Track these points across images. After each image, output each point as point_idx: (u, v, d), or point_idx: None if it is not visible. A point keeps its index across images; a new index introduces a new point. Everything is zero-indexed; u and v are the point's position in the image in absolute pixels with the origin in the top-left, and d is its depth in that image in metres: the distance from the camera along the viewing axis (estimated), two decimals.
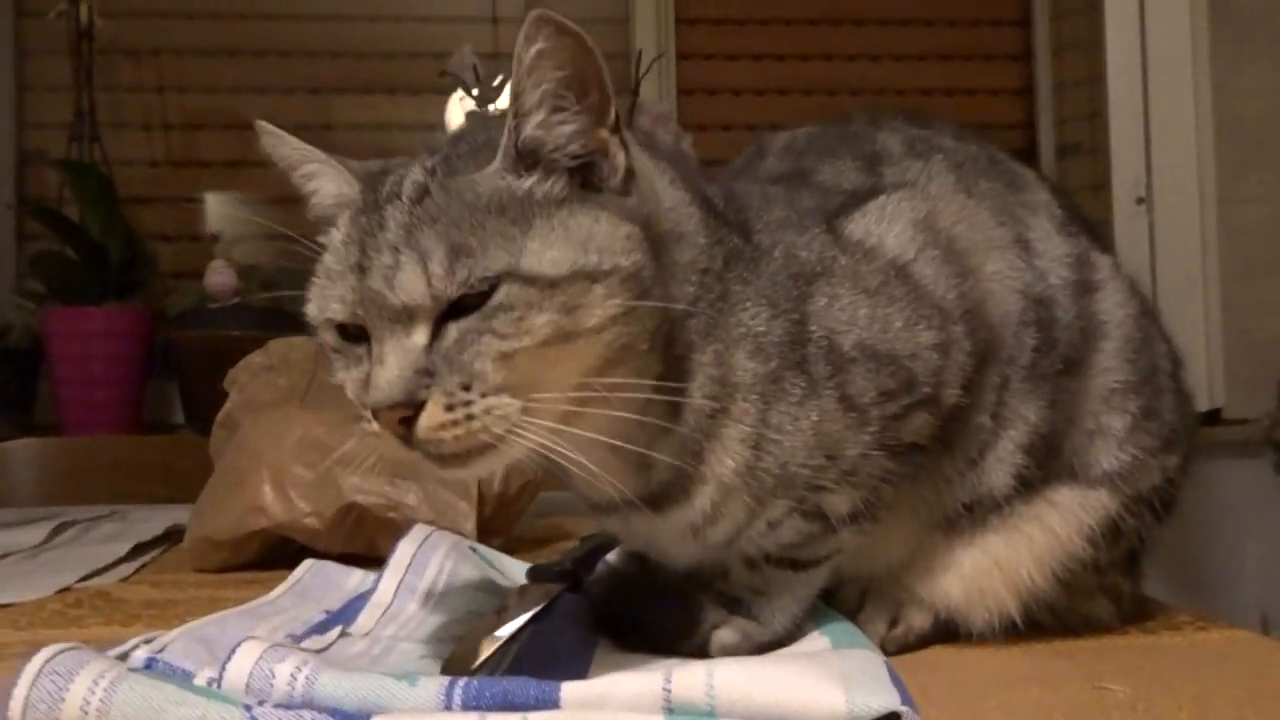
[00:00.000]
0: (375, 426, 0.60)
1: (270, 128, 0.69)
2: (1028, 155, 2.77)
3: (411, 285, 0.59)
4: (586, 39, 0.60)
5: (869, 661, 0.64)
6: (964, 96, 2.95)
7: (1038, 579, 0.76)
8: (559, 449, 0.61)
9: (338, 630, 0.77)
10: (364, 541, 1.15)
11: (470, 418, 0.58)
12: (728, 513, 0.69)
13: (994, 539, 0.77)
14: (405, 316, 0.59)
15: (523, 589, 0.83)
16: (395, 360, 0.59)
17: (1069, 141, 2.80)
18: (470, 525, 1.13)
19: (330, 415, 1.19)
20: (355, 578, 0.96)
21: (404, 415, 0.58)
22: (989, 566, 0.77)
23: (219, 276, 2.45)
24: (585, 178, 0.63)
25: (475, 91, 2.57)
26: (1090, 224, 0.86)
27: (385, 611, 0.83)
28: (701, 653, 0.71)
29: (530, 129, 0.62)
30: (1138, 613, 0.86)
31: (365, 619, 0.82)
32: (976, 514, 0.77)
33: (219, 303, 2.44)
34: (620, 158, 0.63)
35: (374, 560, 1.06)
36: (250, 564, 1.17)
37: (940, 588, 0.78)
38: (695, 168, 0.77)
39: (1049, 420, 0.76)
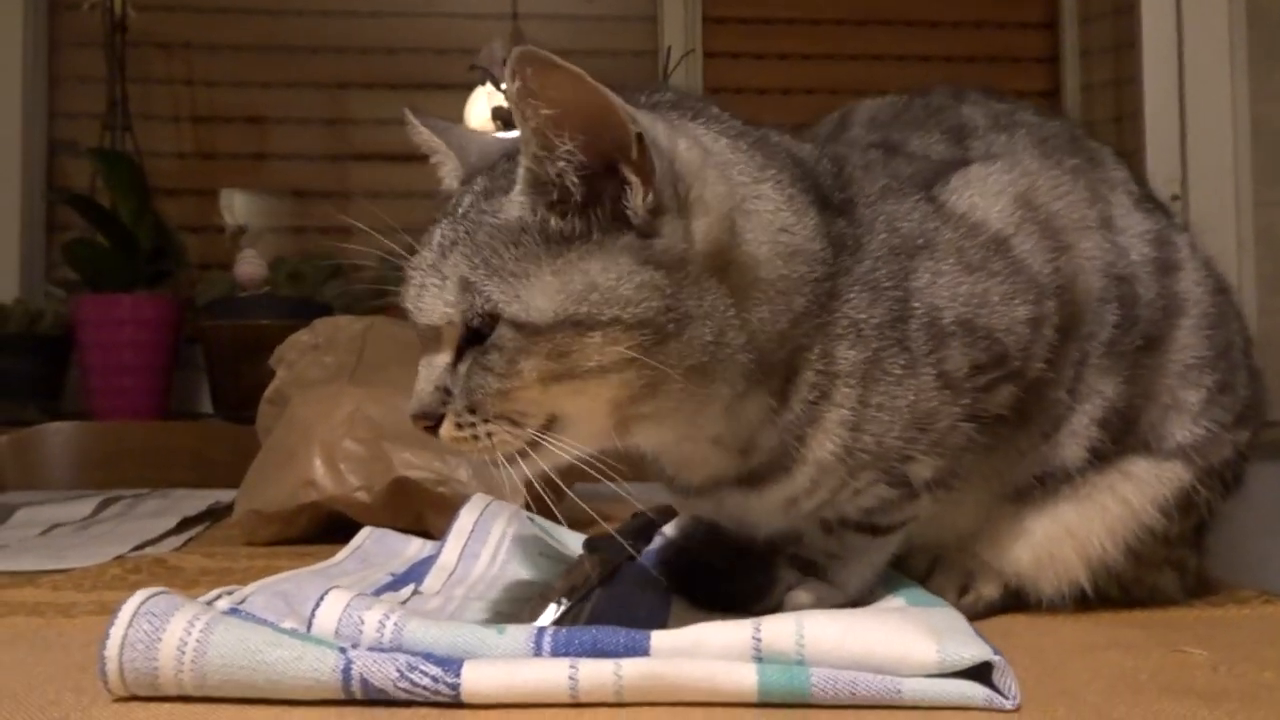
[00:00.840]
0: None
1: (410, 116, 0.72)
2: None
3: (431, 309, 0.62)
4: (577, 74, 0.56)
5: (952, 617, 0.64)
6: None
7: (1109, 548, 0.76)
8: (595, 458, 0.64)
9: (410, 588, 0.78)
10: (412, 516, 1.15)
11: (477, 438, 0.62)
12: (824, 486, 0.70)
13: (1066, 508, 0.77)
14: (434, 333, 0.62)
15: (582, 558, 0.83)
16: (424, 375, 0.63)
17: None
18: (520, 500, 1.13)
19: (380, 391, 1.20)
20: (414, 545, 0.96)
21: (426, 425, 0.63)
22: (1060, 534, 0.77)
23: (248, 266, 2.46)
24: (617, 211, 0.60)
25: (504, 86, 2.57)
26: (1163, 203, 0.86)
27: (451, 575, 0.84)
28: (774, 612, 0.71)
29: (528, 162, 0.60)
30: (1202, 587, 0.86)
31: (433, 580, 0.82)
32: (1048, 485, 0.77)
33: (247, 292, 2.45)
34: (641, 194, 0.59)
35: (423, 535, 1.07)
36: (299, 538, 1.17)
37: (1010, 556, 0.78)
38: (795, 141, 0.75)
39: (1126, 395, 0.76)
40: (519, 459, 0.63)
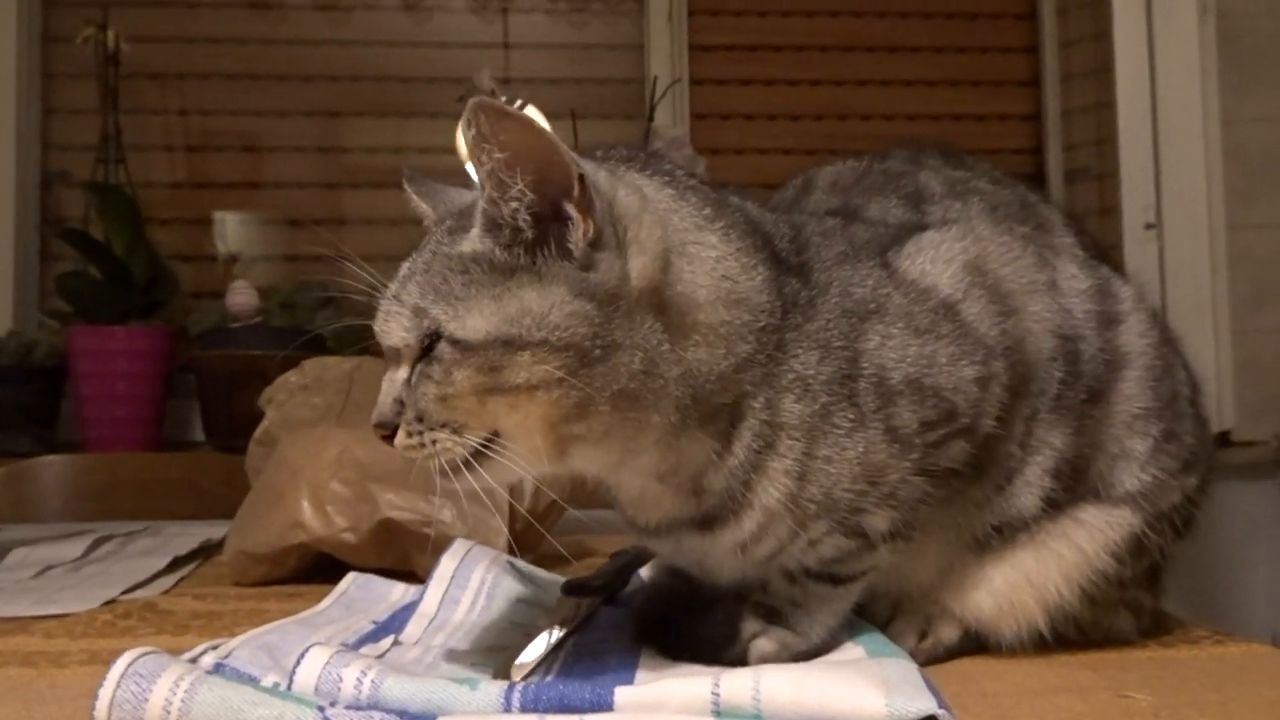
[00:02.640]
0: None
1: (406, 184, 0.80)
2: (1037, 180, 2.82)
3: (393, 331, 0.68)
4: (529, 120, 0.63)
5: (905, 668, 0.67)
6: (973, 122, 3.00)
7: (1065, 593, 0.79)
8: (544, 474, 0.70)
9: (390, 639, 0.80)
10: (398, 556, 1.18)
11: (423, 445, 0.67)
12: (772, 533, 0.73)
13: (1024, 555, 0.80)
14: (395, 353, 0.69)
15: (561, 602, 0.87)
16: (385, 389, 0.70)
17: (1077, 166, 2.85)
18: (502, 540, 1.16)
19: (366, 433, 1.22)
20: (398, 590, 0.99)
21: (384, 435, 0.70)
22: (1020, 582, 0.80)
23: (240, 296, 2.49)
24: (561, 248, 0.66)
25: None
26: (1108, 260, 0.89)
27: (431, 621, 0.86)
28: (741, 661, 0.74)
29: (483, 203, 0.67)
30: (1157, 627, 0.89)
31: (413, 628, 0.85)
32: (1006, 534, 0.80)
33: (240, 322, 2.48)
34: (581, 230, 0.66)
35: (408, 575, 1.10)
36: (288, 578, 1.19)
37: (971, 602, 0.81)
38: (757, 205, 0.80)
39: (1075, 446, 0.79)
40: (463, 469, 0.67)
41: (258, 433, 1.33)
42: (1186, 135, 2.54)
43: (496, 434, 0.67)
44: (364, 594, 0.97)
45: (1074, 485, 0.80)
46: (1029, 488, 0.79)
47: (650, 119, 2.71)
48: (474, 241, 0.67)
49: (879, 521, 0.74)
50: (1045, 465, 0.79)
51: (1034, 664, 0.79)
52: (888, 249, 0.78)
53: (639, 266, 0.67)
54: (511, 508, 1.22)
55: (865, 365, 0.72)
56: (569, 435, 0.67)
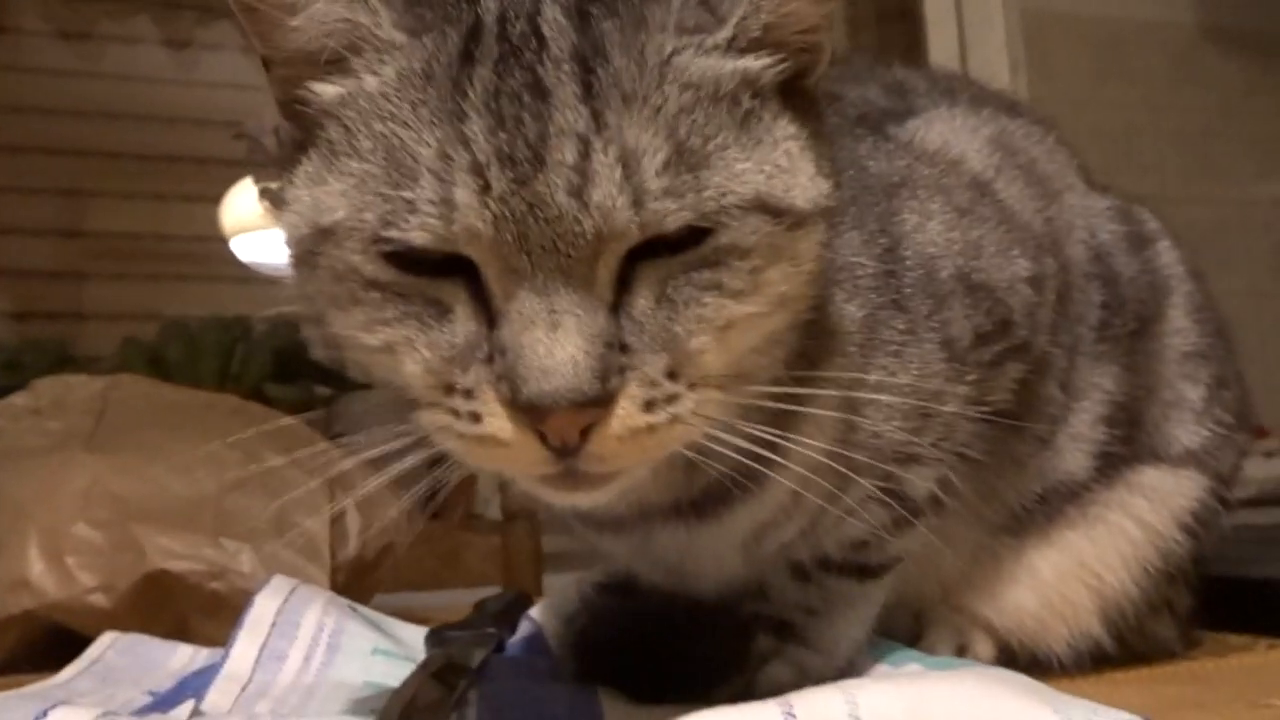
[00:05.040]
0: (505, 428, 0.39)
1: None
2: None
3: (612, 201, 0.38)
4: None
5: (1026, 680, 0.45)
6: None
7: (1127, 582, 0.62)
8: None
9: (188, 707, 0.50)
10: (172, 622, 0.86)
11: (674, 421, 0.39)
12: (804, 505, 0.50)
13: (1075, 537, 0.62)
14: (586, 254, 0.38)
15: (432, 655, 0.60)
16: (576, 325, 0.38)
17: None
18: (326, 581, 0.87)
19: (129, 459, 0.92)
20: (183, 653, 0.69)
21: (591, 419, 0.38)
22: (1071, 569, 0.62)
23: None
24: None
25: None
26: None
27: (246, 687, 0.56)
28: (746, 695, 0.50)
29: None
30: (1191, 635, 0.72)
31: (218, 696, 0.55)
32: (1052, 506, 0.62)
33: None
34: (825, 57, 0.45)
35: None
36: (3, 665, 0.84)
37: (1010, 603, 0.62)
38: None
39: (1126, 387, 0.63)
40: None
41: None
42: None
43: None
44: (130, 660, 0.65)
45: (1129, 438, 0.63)
46: (1076, 443, 0.62)
47: None
48: (719, 43, 0.41)
49: (924, 476, 0.54)
50: (1095, 412, 0.62)
51: (1096, 684, 0.59)
52: (883, 125, 0.61)
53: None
54: (333, 553, 0.93)
55: (907, 253, 0.53)
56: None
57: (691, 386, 0.39)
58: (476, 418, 0.39)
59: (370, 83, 0.40)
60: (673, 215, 0.38)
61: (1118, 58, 2.56)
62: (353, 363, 0.48)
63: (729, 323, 0.39)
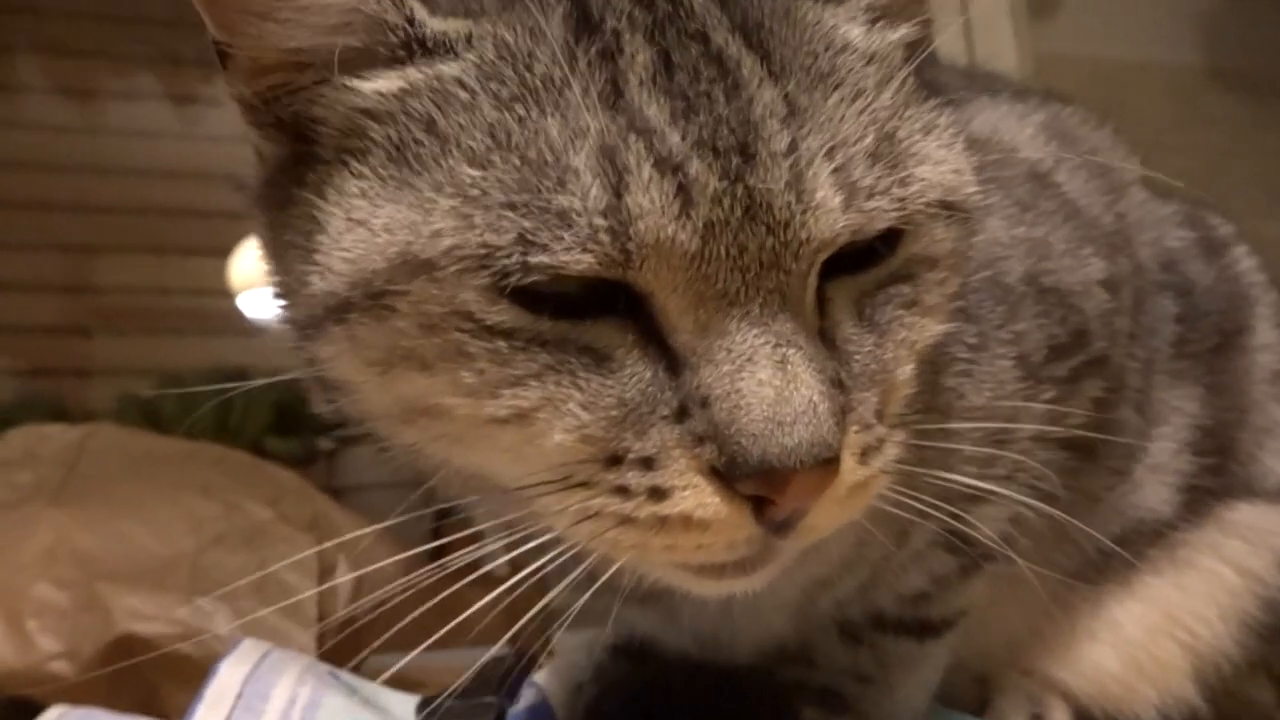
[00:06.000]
0: (709, 504, 0.31)
1: None
2: None
3: (829, 200, 0.31)
4: None
5: None
6: None
7: (1223, 636, 0.53)
8: None
9: None
10: (140, 693, 0.80)
11: (882, 473, 0.34)
12: (866, 555, 0.43)
13: (1161, 584, 0.55)
14: (804, 269, 0.32)
15: None
16: (803, 361, 0.31)
17: None
18: (311, 640, 0.80)
19: (96, 514, 0.86)
20: None
21: (831, 478, 0.31)
22: (1158, 623, 0.54)
23: None
24: None
25: None
26: None
27: None
28: None
29: None
30: None
31: None
32: (1134, 547, 0.54)
33: None
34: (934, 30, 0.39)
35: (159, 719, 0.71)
36: None
37: (1088, 662, 0.54)
38: None
39: (1211, 411, 0.56)
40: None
41: None
42: None
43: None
44: None
45: (1219, 469, 0.56)
46: (1158, 475, 0.55)
47: None
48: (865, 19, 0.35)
49: (996, 516, 0.46)
50: (1178, 439, 0.55)
51: None
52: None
53: None
54: (321, 614, 0.85)
55: (970, 253, 0.45)
56: None
57: (892, 427, 0.33)
58: (660, 494, 0.30)
59: (451, 68, 0.31)
60: (881, 216, 0.31)
61: (1125, 99, 2.55)
62: (408, 449, 0.37)
63: (924, 346, 0.33)
